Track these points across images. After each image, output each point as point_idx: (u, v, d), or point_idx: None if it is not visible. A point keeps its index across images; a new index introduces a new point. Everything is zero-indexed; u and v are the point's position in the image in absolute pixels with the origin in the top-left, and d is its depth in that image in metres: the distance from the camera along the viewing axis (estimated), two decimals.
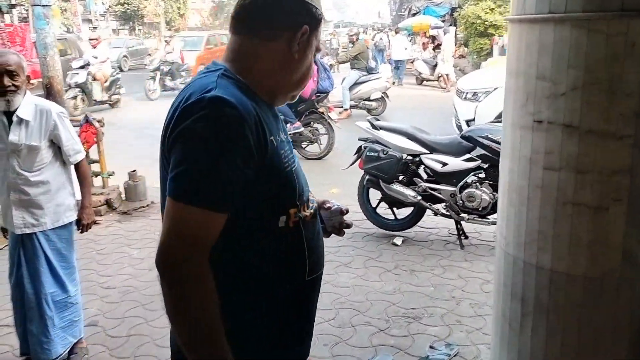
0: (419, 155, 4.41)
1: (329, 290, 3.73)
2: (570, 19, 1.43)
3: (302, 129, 7.48)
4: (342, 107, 10.47)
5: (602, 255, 1.53)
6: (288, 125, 7.48)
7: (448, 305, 3.49)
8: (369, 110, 10.82)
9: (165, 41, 15.90)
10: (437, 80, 15.46)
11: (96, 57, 11.87)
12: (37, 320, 2.74)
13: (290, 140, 1.32)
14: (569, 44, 1.45)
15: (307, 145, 7.79)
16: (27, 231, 2.68)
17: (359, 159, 4.68)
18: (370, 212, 4.74)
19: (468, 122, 7.33)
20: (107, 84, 11.97)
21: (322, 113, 7.46)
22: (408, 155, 4.43)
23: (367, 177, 4.52)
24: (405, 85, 16.14)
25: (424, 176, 4.53)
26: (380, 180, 4.44)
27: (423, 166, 4.48)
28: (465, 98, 7.49)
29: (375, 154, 4.40)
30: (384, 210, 4.86)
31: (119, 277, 4.05)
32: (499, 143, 4.09)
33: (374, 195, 4.79)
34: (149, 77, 14.36)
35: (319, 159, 7.70)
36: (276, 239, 1.19)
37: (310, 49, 1.23)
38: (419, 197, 4.37)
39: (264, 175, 1.13)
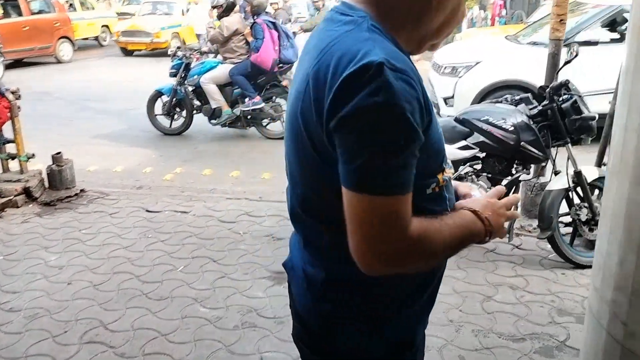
0: None
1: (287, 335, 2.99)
2: None
3: (263, 104, 6.60)
4: None
5: None
6: (247, 100, 6.60)
7: (446, 333, 2.79)
8: None
9: None
10: None
11: None
12: None
13: None
14: None
15: (269, 123, 6.93)
16: None
17: None
18: None
19: (446, 100, 6.64)
20: None
21: (286, 87, 6.59)
22: None
23: None
24: None
25: None
26: None
27: None
28: (443, 73, 6.75)
29: None
30: None
31: (28, 294, 3.17)
32: (501, 128, 3.38)
33: None
34: None
35: (282, 138, 6.85)
36: (423, 207, 1.02)
37: None
38: None
39: (425, 142, 0.96)
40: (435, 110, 1.04)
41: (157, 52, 14.77)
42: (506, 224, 1.27)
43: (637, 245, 0.95)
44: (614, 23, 6.35)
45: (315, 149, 0.98)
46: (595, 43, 6.08)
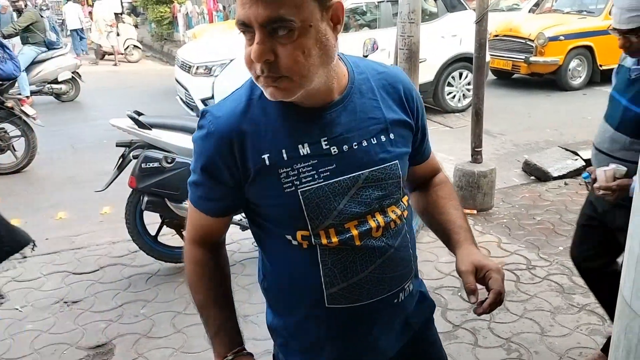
0: None
1: None
2: None
3: None
4: (19, 94, 7.99)
5: None
6: None
7: None
8: (57, 96, 8.64)
9: None
10: (124, 54, 13.63)
11: None
12: None
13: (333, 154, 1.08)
14: None
15: None
16: None
17: (123, 174, 3.24)
18: (150, 244, 3.38)
19: (205, 101, 6.30)
20: None
21: (12, 108, 5.30)
22: None
23: (146, 198, 3.13)
24: (84, 60, 13.76)
25: None
26: (167, 200, 3.13)
27: None
28: (196, 73, 6.37)
29: (156, 164, 3.04)
30: (169, 237, 3.55)
31: None
32: None
33: (150, 218, 3.44)
34: None
35: (18, 171, 5.54)
36: (289, 254, 1.13)
37: None
38: None
39: (251, 192, 1.10)
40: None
41: None
42: None
43: None
44: None
45: None
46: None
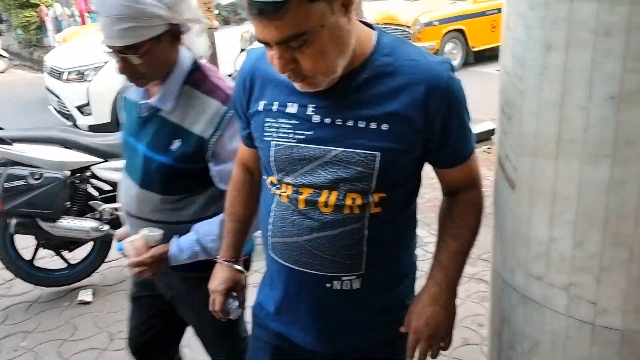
0: (88, 167, 3.01)
1: None
2: None
3: None
4: None
5: None
6: None
7: None
8: None
9: None
10: None
11: None
12: None
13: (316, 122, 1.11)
14: None
15: None
16: None
17: None
18: (27, 269, 3.08)
19: (81, 108, 5.89)
20: None
21: None
22: (71, 171, 2.97)
23: (15, 220, 2.83)
24: None
25: (95, 194, 3.17)
26: (39, 220, 2.85)
27: (95, 181, 3.11)
28: (68, 79, 5.92)
29: (22, 182, 2.75)
30: (47, 260, 3.26)
31: None
32: None
33: (24, 242, 3.13)
34: None
35: None
36: (265, 194, 1.25)
37: None
38: (107, 227, 3.02)
39: (251, 129, 1.24)
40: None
41: None
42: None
43: (601, 223, 0.93)
44: None
45: None
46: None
